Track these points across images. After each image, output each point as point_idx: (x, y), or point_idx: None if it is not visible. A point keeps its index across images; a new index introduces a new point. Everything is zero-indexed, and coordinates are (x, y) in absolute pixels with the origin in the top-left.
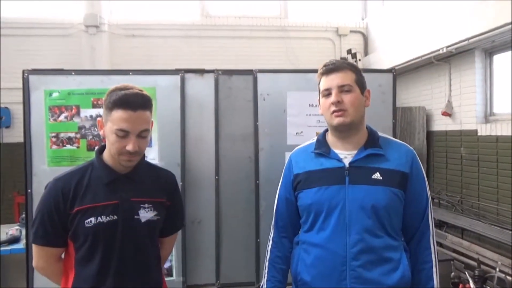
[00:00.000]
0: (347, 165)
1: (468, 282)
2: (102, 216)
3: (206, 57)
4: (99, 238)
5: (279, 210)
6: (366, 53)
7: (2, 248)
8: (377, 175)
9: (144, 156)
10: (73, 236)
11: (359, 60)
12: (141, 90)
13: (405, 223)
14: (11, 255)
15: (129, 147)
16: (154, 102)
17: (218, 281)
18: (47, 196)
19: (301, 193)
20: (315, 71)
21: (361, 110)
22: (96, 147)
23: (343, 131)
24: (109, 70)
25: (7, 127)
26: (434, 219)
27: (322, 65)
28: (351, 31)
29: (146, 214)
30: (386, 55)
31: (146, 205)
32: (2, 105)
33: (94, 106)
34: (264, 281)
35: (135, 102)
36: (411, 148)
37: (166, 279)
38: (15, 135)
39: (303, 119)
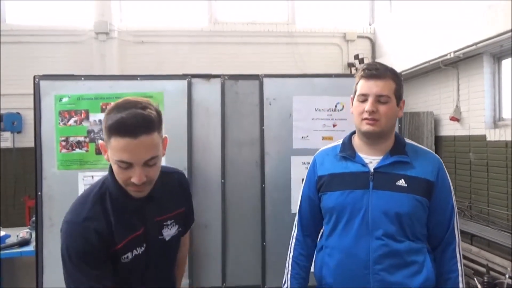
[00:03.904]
0: (372, 170)
1: None
2: (137, 248)
3: (215, 63)
4: (134, 269)
5: (302, 210)
6: (373, 58)
7: (13, 250)
8: (401, 182)
9: None
10: None
11: None
12: (146, 107)
13: (431, 232)
14: (21, 257)
15: (134, 179)
16: (161, 107)
17: (224, 284)
18: (78, 242)
19: (324, 195)
20: (320, 75)
21: (393, 121)
22: (110, 165)
23: (371, 138)
24: (118, 75)
25: (19, 132)
26: None
27: (365, 67)
28: (358, 37)
29: (169, 232)
30: (394, 60)
31: (169, 222)
32: (14, 111)
33: (103, 110)
34: (287, 278)
35: (135, 127)
36: (438, 156)
37: None
38: (26, 140)
39: (309, 124)
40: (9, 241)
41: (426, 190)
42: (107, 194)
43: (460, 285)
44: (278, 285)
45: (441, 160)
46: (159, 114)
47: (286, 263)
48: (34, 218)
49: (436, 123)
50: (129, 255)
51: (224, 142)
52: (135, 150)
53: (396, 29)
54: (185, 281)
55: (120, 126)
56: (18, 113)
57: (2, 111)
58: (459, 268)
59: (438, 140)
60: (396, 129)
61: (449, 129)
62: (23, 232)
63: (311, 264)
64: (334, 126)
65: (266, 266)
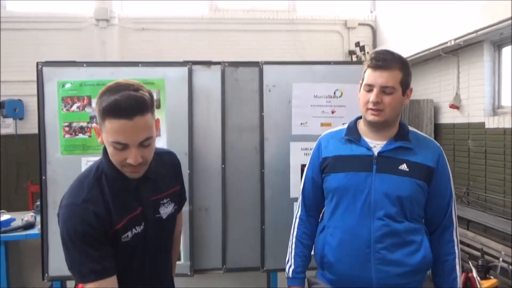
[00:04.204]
0: (375, 154)
1: (471, 271)
2: (136, 227)
3: (215, 50)
4: (134, 248)
5: (306, 190)
6: (374, 46)
7: (18, 233)
8: (404, 167)
9: None
10: None
11: (367, 53)
12: (138, 89)
13: (429, 216)
14: (26, 240)
15: (130, 160)
16: (162, 93)
17: (224, 266)
18: (78, 223)
19: (328, 176)
20: (319, 63)
21: (398, 110)
22: (104, 148)
23: (375, 126)
24: (119, 62)
25: (21, 118)
26: None
27: (373, 56)
28: (359, 24)
29: (166, 210)
30: (395, 47)
31: (165, 200)
32: (16, 98)
33: None
34: (291, 256)
35: (130, 108)
36: (438, 144)
37: None
38: (28, 126)
39: (308, 110)
40: (14, 224)
41: (426, 175)
42: (103, 177)
43: (457, 267)
44: (277, 267)
45: (441, 148)
46: (151, 96)
47: (289, 242)
48: (38, 203)
49: (436, 110)
50: (129, 234)
51: (224, 128)
52: (130, 131)
53: (397, 17)
54: (186, 263)
55: (115, 108)
56: (20, 99)
57: (4, 98)
58: (456, 250)
59: (438, 128)
60: None
61: (448, 116)
62: (27, 216)
63: (313, 243)
64: (332, 112)
65: (265, 248)
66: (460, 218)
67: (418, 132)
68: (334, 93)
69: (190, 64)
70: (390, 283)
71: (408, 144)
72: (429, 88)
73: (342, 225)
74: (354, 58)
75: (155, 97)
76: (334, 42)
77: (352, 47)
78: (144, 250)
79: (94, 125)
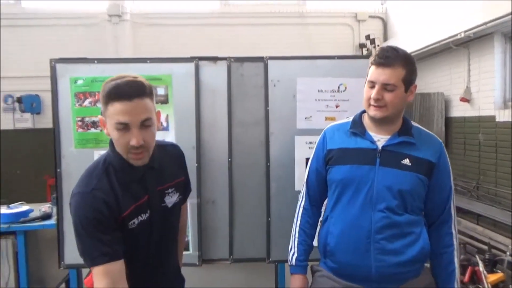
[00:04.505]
0: (379, 147)
1: (478, 265)
2: (142, 215)
3: (225, 44)
4: (140, 235)
5: (310, 181)
6: (385, 38)
7: (36, 224)
8: (406, 161)
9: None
10: None
11: (378, 45)
12: (136, 77)
13: (428, 210)
14: (43, 230)
15: (133, 141)
16: (170, 88)
17: (231, 256)
18: (87, 212)
19: (333, 168)
20: (323, 57)
21: (400, 106)
22: (110, 139)
23: (377, 122)
24: (128, 58)
25: (38, 113)
26: None
27: (376, 52)
28: (370, 17)
29: (171, 199)
30: (405, 40)
31: (170, 190)
32: (33, 93)
33: None
34: (294, 244)
35: (129, 91)
36: (440, 140)
37: (183, 252)
38: (45, 121)
39: (313, 104)
40: (32, 215)
41: (427, 170)
42: (110, 168)
43: (455, 259)
44: (282, 258)
45: (442, 143)
46: (150, 86)
47: (293, 231)
48: (54, 195)
49: (447, 104)
50: (135, 221)
51: (231, 122)
52: (131, 111)
53: (408, 9)
54: (194, 253)
55: (116, 91)
56: (37, 95)
57: (22, 93)
58: (455, 242)
59: (448, 121)
60: None
61: (459, 110)
62: (45, 207)
63: (316, 233)
64: (337, 107)
65: (271, 240)
66: (469, 213)
67: (421, 127)
68: (338, 87)
69: (196, 59)
70: (388, 271)
71: (411, 139)
72: (440, 81)
73: (344, 216)
74: (365, 52)
75: (163, 92)
76: (344, 35)
77: (363, 40)
78: (149, 237)
79: (99, 116)
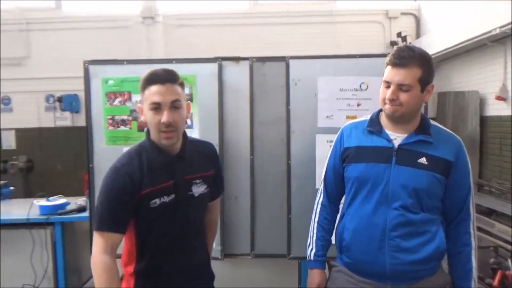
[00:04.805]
0: (396, 146)
1: (509, 269)
2: (164, 197)
3: (254, 43)
4: (163, 216)
5: (328, 178)
6: (418, 35)
7: (72, 216)
8: (423, 160)
9: (185, 134)
10: (138, 218)
11: (410, 43)
12: (170, 68)
13: (446, 209)
14: (80, 222)
15: (163, 118)
16: (194, 88)
17: (252, 252)
18: (114, 182)
19: (349, 166)
20: (345, 56)
21: (415, 106)
22: (146, 128)
23: (394, 120)
24: (156, 59)
25: (77, 112)
26: (481, 206)
27: (392, 53)
28: (402, 13)
29: (198, 189)
30: (438, 37)
31: (198, 181)
32: (72, 93)
33: None
34: (312, 240)
35: (162, 76)
36: (459, 138)
37: None
38: (82, 119)
39: (334, 103)
40: (69, 207)
41: (444, 169)
42: (143, 151)
43: (473, 258)
44: (302, 254)
45: (462, 142)
46: (181, 79)
47: (311, 227)
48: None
49: (482, 102)
50: (157, 201)
51: (253, 120)
52: (163, 93)
53: (442, 5)
54: (217, 248)
55: (151, 77)
56: (76, 94)
57: (62, 93)
58: (473, 242)
59: (483, 121)
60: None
61: (494, 108)
62: (80, 200)
63: (334, 229)
64: (358, 105)
65: (292, 237)
66: (503, 215)
67: (440, 126)
68: (360, 86)
69: (220, 60)
70: (402, 269)
71: (428, 138)
72: (474, 79)
73: (359, 213)
74: None
75: (187, 92)
76: (375, 33)
77: (394, 38)
78: (172, 221)
79: (138, 105)
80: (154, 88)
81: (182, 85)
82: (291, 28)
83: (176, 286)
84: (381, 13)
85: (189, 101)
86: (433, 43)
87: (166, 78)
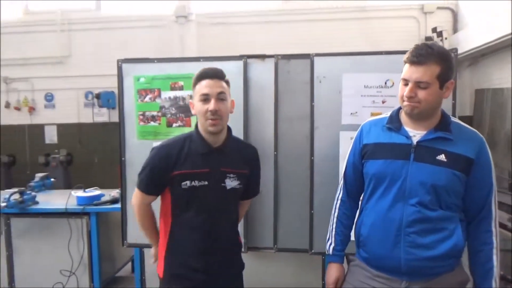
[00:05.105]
0: (414, 143)
1: None
2: (195, 181)
3: (286, 41)
4: (192, 197)
5: (347, 174)
6: (455, 30)
7: (106, 206)
8: (442, 157)
9: (230, 131)
10: (172, 194)
11: (445, 38)
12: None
13: (467, 206)
14: (113, 212)
15: (211, 107)
16: None
17: (275, 246)
18: (155, 156)
19: (367, 162)
20: (370, 53)
21: (434, 103)
22: (196, 122)
23: (412, 117)
24: (184, 57)
25: (113, 108)
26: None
27: (410, 51)
28: (438, 8)
29: (231, 183)
30: (476, 32)
31: (232, 175)
32: (109, 90)
33: (172, 89)
34: (331, 235)
35: (211, 73)
36: (481, 136)
37: None
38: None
39: (358, 100)
40: (103, 199)
41: (465, 166)
42: (189, 139)
43: (494, 257)
44: (324, 250)
45: (484, 139)
46: (228, 79)
47: (330, 222)
48: None
49: None
50: (188, 183)
51: (277, 117)
52: (211, 86)
53: None
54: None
55: (202, 73)
56: (112, 91)
57: (100, 90)
58: (494, 241)
59: None
60: (450, 105)
61: None
62: (114, 192)
63: (353, 224)
64: (383, 102)
65: (314, 232)
66: None
67: (462, 123)
68: (385, 83)
69: (245, 57)
70: (418, 265)
71: (448, 135)
72: None
73: (376, 208)
74: None
75: None
76: (409, 28)
77: (429, 33)
78: (201, 205)
79: (190, 101)
80: (204, 82)
81: (227, 82)
82: (323, 25)
83: (201, 266)
84: (416, 8)
85: (233, 99)
86: (470, 38)
87: (214, 74)
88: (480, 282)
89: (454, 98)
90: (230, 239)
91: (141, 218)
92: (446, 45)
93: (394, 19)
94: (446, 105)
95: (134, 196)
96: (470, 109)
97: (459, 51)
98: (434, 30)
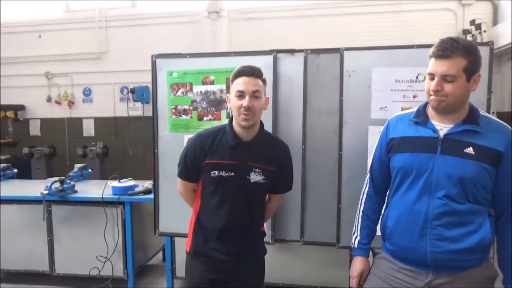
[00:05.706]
0: (441, 136)
1: None
2: (223, 171)
3: (316, 35)
4: (219, 185)
5: (373, 168)
6: (495, 22)
7: (139, 197)
8: (469, 150)
9: (262, 126)
10: (203, 179)
11: (484, 31)
12: (256, 66)
13: (496, 200)
14: (146, 202)
15: (245, 103)
16: None
17: (302, 239)
18: (191, 146)
19: (394, 156)
20: (401, 47)
21: (462, 96)
22: (231, 116)
23: (439, 112)
24: (215, 53)
25: (147, 102)
26: None
27: (435, 45)
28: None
29: (255, 177)
30: None
31: (257, 170)
32: (144, 85)
33: (203, 83)
34: (357, 228)
35: (248, 71)
36: (511, 128)
37: None
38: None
39: (388, 94)
40: (137, 189)
41: (494, 160)
42: (223, 130)
43: None
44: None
45: None
46: (264, 77)
47: (356, 216)
48: None
49: None
50: (216, 172)
51: (306, 111)
52: (247, 83)
53: None
54: (268, 232)
55: (240, 70)
56: (146, 86)
57: (135, 85)
58: None
59: None
60: (485, 100)
61: None
62: (147, 183)
63: (379, 218)
64: (414, 97)
65: (341, 226)
66: None
67: (491, 117)
68: (417, 77)
69: (275, 52)
70: (444, 258)
71: (475, 127)
72: None
73: (403, 201)
74: (469, 38)
75: None
76: (446, 21)
77: (467, 26)
78: (226, 194)
79: (227, 95)
80: (240, 80)
81: (264, 81)
82: (355, 18)
83: (221, 248)
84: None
85: (268, 97)
86: (509, 31)
87: (251, 72)
88: (509, 278)
89: (489, 92)
90: (250, 228)
91: (190, 203)
92: (485, 38)
93: (430, 12)
94: (480, 99)
95: (178, 185)
96: (509, 104)
97: (499, 45)
98: (472, 22)
